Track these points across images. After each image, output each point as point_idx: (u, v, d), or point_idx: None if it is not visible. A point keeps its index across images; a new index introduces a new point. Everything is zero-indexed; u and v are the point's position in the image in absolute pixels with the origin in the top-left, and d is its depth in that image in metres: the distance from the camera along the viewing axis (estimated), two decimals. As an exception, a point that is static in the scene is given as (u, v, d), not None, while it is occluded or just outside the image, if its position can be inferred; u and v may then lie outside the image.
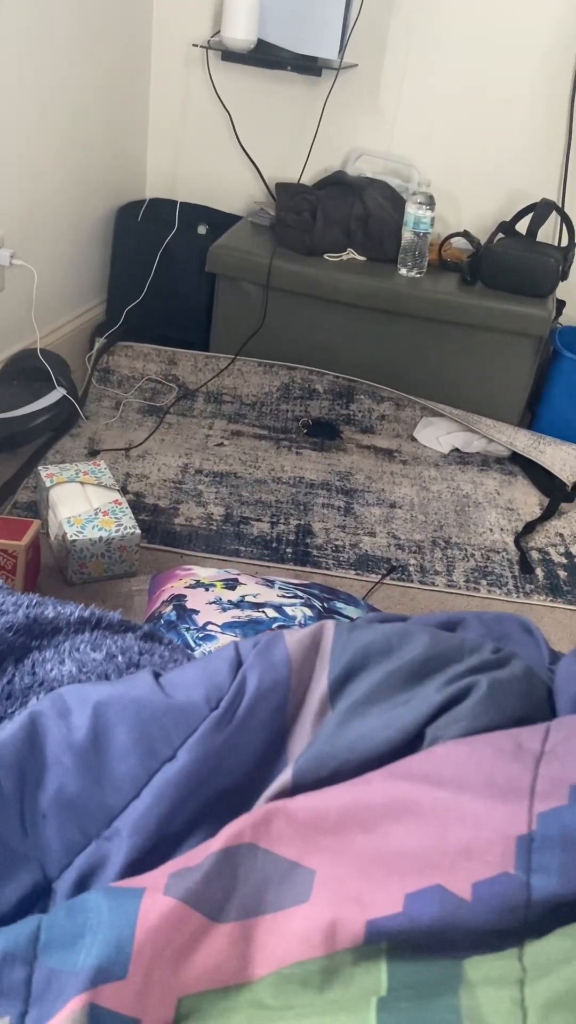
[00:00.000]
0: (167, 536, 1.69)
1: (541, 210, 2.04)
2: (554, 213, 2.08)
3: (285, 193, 2.17)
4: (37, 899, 0.50)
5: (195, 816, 0.51)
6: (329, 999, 0.41)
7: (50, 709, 0.54)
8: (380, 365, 2.18)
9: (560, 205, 2.14)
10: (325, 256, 2.17)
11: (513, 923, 0.42)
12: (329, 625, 0.59)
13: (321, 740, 0.52)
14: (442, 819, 0.46)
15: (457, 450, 2.13)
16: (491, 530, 1.86)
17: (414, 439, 2.15)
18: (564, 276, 2.06)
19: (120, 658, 0.64)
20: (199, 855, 0.47)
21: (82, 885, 0.50)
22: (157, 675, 0.57)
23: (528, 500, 1.98)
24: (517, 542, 1.81)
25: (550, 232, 2.21)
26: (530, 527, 1.86)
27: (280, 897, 0.45)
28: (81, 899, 0.47)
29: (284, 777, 0.51)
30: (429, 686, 0.53)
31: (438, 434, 2.14)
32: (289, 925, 0.44)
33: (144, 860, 0.50)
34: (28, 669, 0.62)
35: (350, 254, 2.17)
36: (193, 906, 0.44)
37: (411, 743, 0.51)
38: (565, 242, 2.15)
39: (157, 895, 0.44)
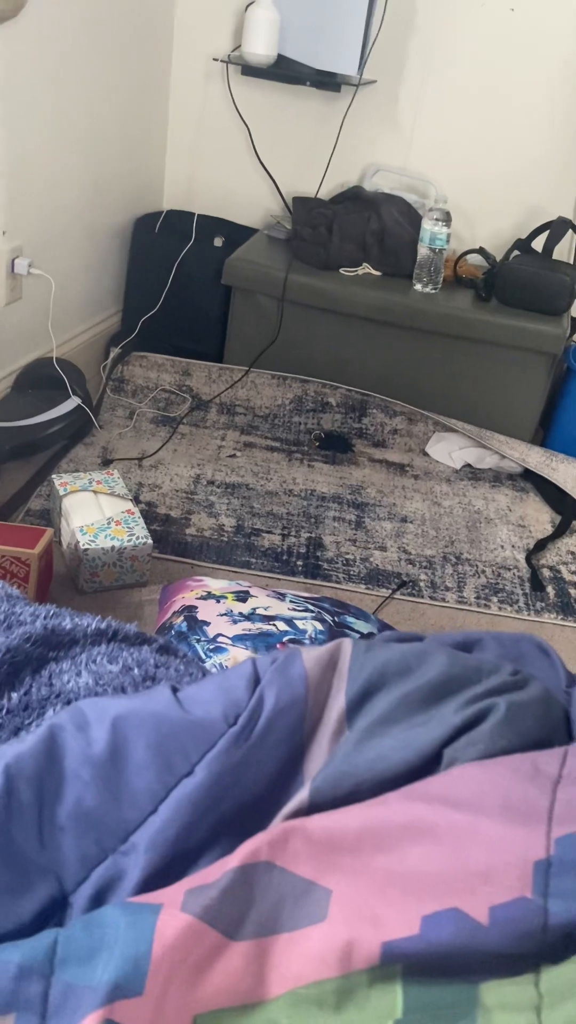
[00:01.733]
0: (178, 546, 1.69)
1: (557, 228, 2.04)
2: (570, 231, 2.08)
3: (302, 207, 2.18)
4: (53, 912, 0.50)
5: (212, 832, 0.51)
6: (344, 1020, 0.41)
7: (69, 722, 0.54)
8: (393, 379, 2.18)
9: (576, 223, 2.14)
10: (341, 270, 2.17)
11: (530, 948, 0.42)
12: (347, 643, 0.59)
13: (339, 759, 0.52)
14: (459, 842, 0.46)
15: (469, 466, 2.13)
16: (502, 547, 1.85)
17: (426, 454, 2.16)
18: (579, 294, 2.06)
19: (136, 671, 0.64)
20: (216, 872, 0.47)
21: (98, 899, 0.50)
22: (175, 689, 0.57)
23: (540, 517, 1.98)
24: (528, 559, 1.80)
25: (565, 250, 2.22)
26: (541, 545, 1.86)
27: (296, 916, 0.45)
28: (98, 914, 0.47)
29: (301, 795, 0.51)
30: (447, 707, 0.53)
31: (450, 449, 2.14)
32: (305, 944, 0.44)
33: (161, 875, 0.50)
34: (45, 680, 0.62)
35: (365, 269, 2.18)
36: (210, 923, 0.44)
37: (428, 764, 0.51)
38: (581, 260, 2.15)
39: (174, 911, 0.44)
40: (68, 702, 0.61)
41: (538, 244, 2.12)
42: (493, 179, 2.25)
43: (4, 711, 0.60)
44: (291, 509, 1.88)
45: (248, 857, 0.46)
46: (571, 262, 2.16)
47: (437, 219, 2.03)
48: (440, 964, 0.42)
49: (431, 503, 1.98)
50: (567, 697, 0.58)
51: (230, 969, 0.43)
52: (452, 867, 0.45)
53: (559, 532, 1.91)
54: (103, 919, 0.46)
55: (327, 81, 2.16)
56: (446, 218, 2.04)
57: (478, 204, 2.28)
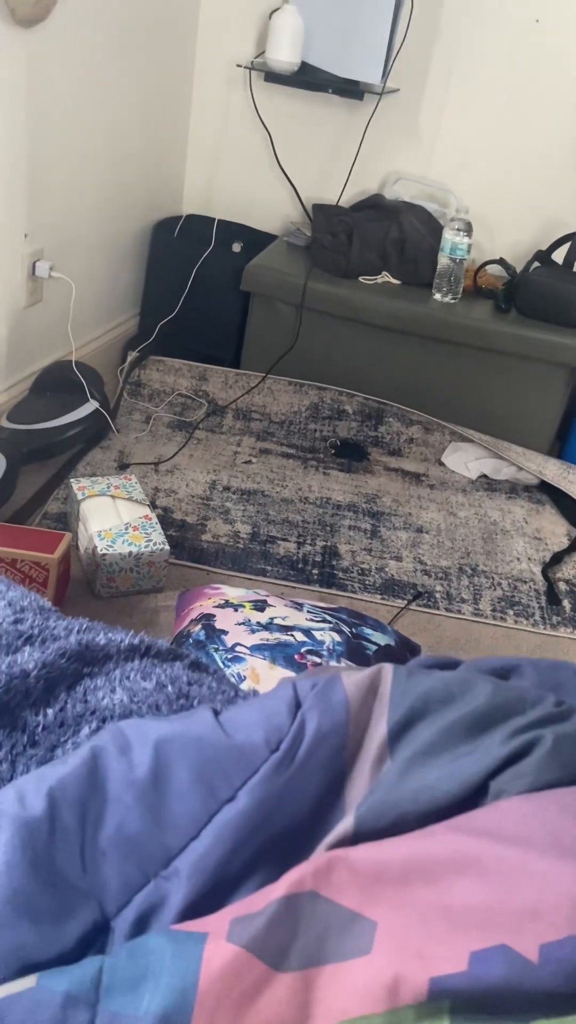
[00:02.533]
0: (194, 552, 1.69)
1: (578, 241, 2.04)
2: (591, 244, 2.08)
3: (322, 215, 2.18)
4: (96, 937, 0.50)
5: (253, 859, 0.51)
6: None
7: (111, 744, 0.54)
8: (410, 388, 2.18)
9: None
10: (360, 279, 2.17)
11: (580, 989, 0.42)
12: (387, 668, 0.58)
13: (383, 789, 0.51)
14: (507, 877, 0.45)
15: (485, 476, 2.12)
16: (518, 559, 1.85)
17: (442, 464, 2.15)
18: (599, 307, 2.06)
19: (170, 688, 0.64)
20: (261, 901, 0.46)
21: (140, 924, 0.50)
22: (216, 712, 0.57)
23: (556, 530, 1.97)
24: (544, 572, 1.80)
25: (585, 262, 2.21)
26: (558, 558, 1.85)
27: (341, 948, 0.45)
28: (142, 941, 0.47)
29: (345, 824, 0.50)
30: (492, 738, 0.53)
31: (466, 460, 2.13)
32: (350, 977, 0.44)
33: (203, 901, 0.49)
34: (80, 696, 0.62)
35: (385, 277, 2.18)
36: (256, 954, 0.44)
37: (474, 796, 0.51)
38: (601, 273, 2.15)
39: (220, 941, 0.44)
40: (103, 719, 0.61)
41: (559, 256, 2.11)
42: (514, 190, 2.25)
43: (40, 727, 0.60)
44: (306, 517, 1.87)
45: (293, 887, 0.46)
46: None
47: (458, 229, 2.03)
48: (488, 1001, 0.42)
49: (447, 513, 1.97)
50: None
51: (275, 1001, 0.43)
52: (500, 902, 0.44)
53: (575, 545, 1.90)
54: (148, 947, 0.46)
55: (350, 89, 2.16)
56: (467, 228, 2.03)
57: (499, 215, 2.28)
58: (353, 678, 0.57)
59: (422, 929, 0.44)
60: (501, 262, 2.10)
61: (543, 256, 2.09)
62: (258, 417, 2.20)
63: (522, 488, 2.11)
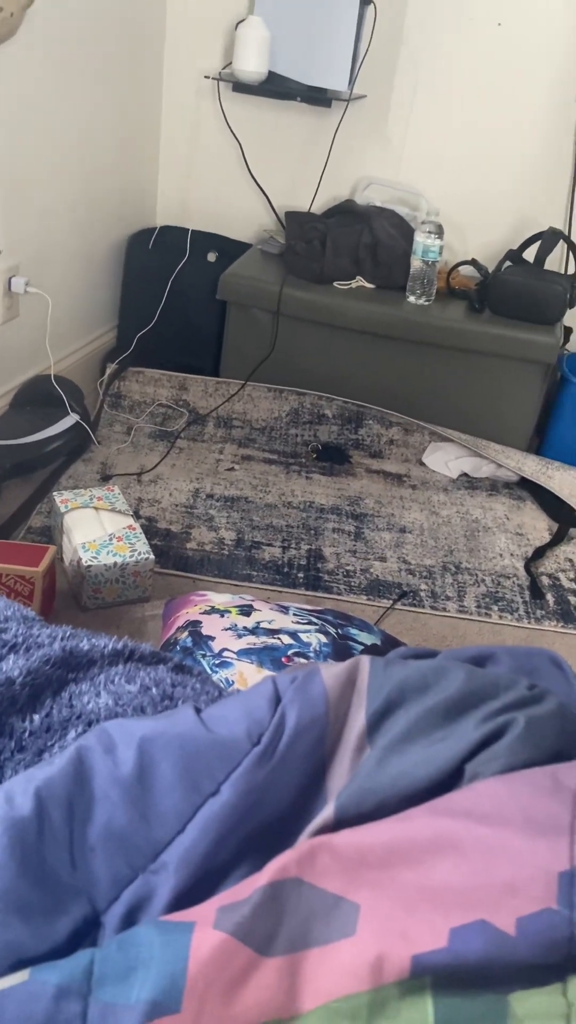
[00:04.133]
0: (179, 561, 1.70)
1: (548, 238, 2.07)
2: (561, 241, 2.11)
3: (295, 222, 2.20)
4: (87, 932, 0.51)
5: (238, 850, 0.52)
6: None
7: (96, 744, 0.55)
8: (389, 391, 2.20)
9: (567, 233, 2.17)
10: (334, 284, 2.19)
11: (557, 958, 0.43)
12: (365, 660, 0.60)
13: (362, 777, 0.53)
14: (485, 855, 0.47)
15: (466, 475, 2.14)
16: (501, 555, 1.87)
17: (423, 464, 2.17)
18: (572, 304, 2.08)
19: (154, 690, 0.65)
20: (246, 889, 0.48)
21: (130, 918, 0.51)
22: (198, 710, 0.58)
23: (537, 525, 1.99)
24: (527, 567, 1.82)
25: (557, 260, 2.24)
26: (540, 552, 1.87)
27: (326, 931, 0.46)
28: (132, 933, 0.48)
29: (327, 812, 0.52)
30: (467, 723, 0.54)
31: (447, 459, 2.15)
32: (336, 959, 0.45)
33: (190, 894, 0.50)
34: (66, 702, 0.63)
35: (359, 282, 2.20)
36: (242, 940, 0.45)
37: (450, 779, 0.52)
38: (572, 270, 2.18)
39: (207, 929, 0.45)
40: (89, 723, 0.62)
41: (530, 255, 2.14)
42: (484, 191, 2.28)
43: (27, 733, 0.61)
44: (290, 521, 1.89)
45: (277, 874, 0.47)
46: (563, 272, 2.19)
47: (430, 232, 2.05)
48: (469, 975, 0.43)
49: (429, 513, 1.99)
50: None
51: (263, 985, 0.44)
52: (478, 880, 0.46)
53: (557, 540, 1.92)
54: (137, 938, 0.47)
55: (318, 97, 2.19)
56: (438, 231, 2.06)
57: (470, 216, 2.31)
58: (331, 671, 0.59)
59: (404, 910, 0.46)
60: (473, 263, 2.13)
61: (514, 255, 2.12)
62: (239, 424, 2.21)
63: (503, 485, 2.14)
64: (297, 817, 0.54)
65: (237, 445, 2.15)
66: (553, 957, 0.43)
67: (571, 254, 2.17)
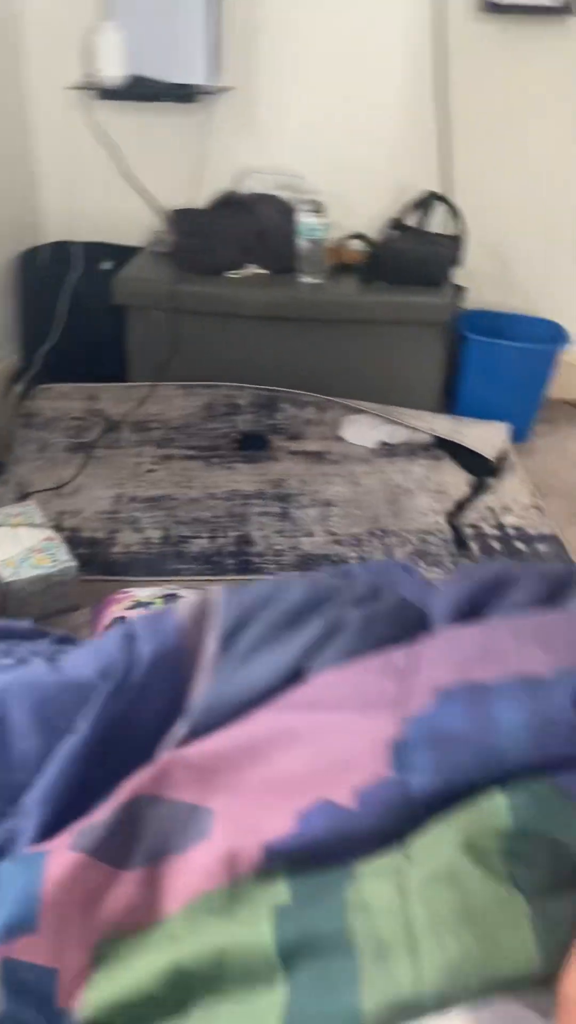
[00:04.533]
0: (107, 566, 1.70)
1: (426, 202, 2.11)
2: (440, 202, 2.15)
3: (180, 218, 2.22)
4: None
5: (103, 782, 0.53)
6: (236, 920, 0.44)
7: (-48, 702, 0.56)
8: (298, 372, 2.23)
9: (444, 194, 2.21)
10: (227, 274, 2.21)
11: (397, 823, 0.45)
12: (217, 590, 0.62)
13: (211, 692, 0.55)
14: (320, 739, 0.49)
15: (384, 443, 2.18)
16: (424, 514, 1.90)
17: (341, 438, 2.20)
18: (458, 262, 2.13)
19: (23, 652, 0.66)
20: (102, 813, 0.49)
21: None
22: (52, 660, 0.59)
23: (456, 481, 2.03)
24: (450, 522, 1.85)
25: (440, 221, 2.29)
26: (461, 505, 1.91)
27: (184, 839, 0.48)
28: (-7, 869, 0.49)
29: (179, 731, 0.53)
30: (307, 626, 0.56)
31: (363, 430, 2.19)
32: (193, 862, 0.46)
33: (55, 830, 0.52)
34: None
35: (251, 269, 2.22)
36: (98, 857, 0.46)
37: (294, 680, 0.54)
38: (454, 229, 2.22)
39: (62, 852, 0.47)
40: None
41: (412, 221, 2.18)
42: (361, 164, 2.31)
43: None
44: (216, 512, 1.90)
45: (131, 793, 0.49)
46: (445, 232, 2.23)
47: (310, 210, 2.08)
48: (318, 853, 0.45)
49: (352, 484, 2.02)
50: (426, 604, 0.61)
51: (123, 896, 0.46)
52: (317, 763, 0.48)
53: (476, 492, 1.97)
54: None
55: (183, 93, 2.20)
56: (319, 208, 2.09)
57: (351, 191, 2.34)
58: (185, 604, 0.60)
59: (255, 805, 0.48)
60: (359, 236, 2.16)
61: (397, 223, 2.16)
62: (155, 426, 2.22)
63: (420, 448, 2.17)
64: (163, 744, 0.55)
65: (156, 446, 2.16)
66: (393, 823, 0.46)
67: (451, 214, 2.21)
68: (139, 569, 1.70)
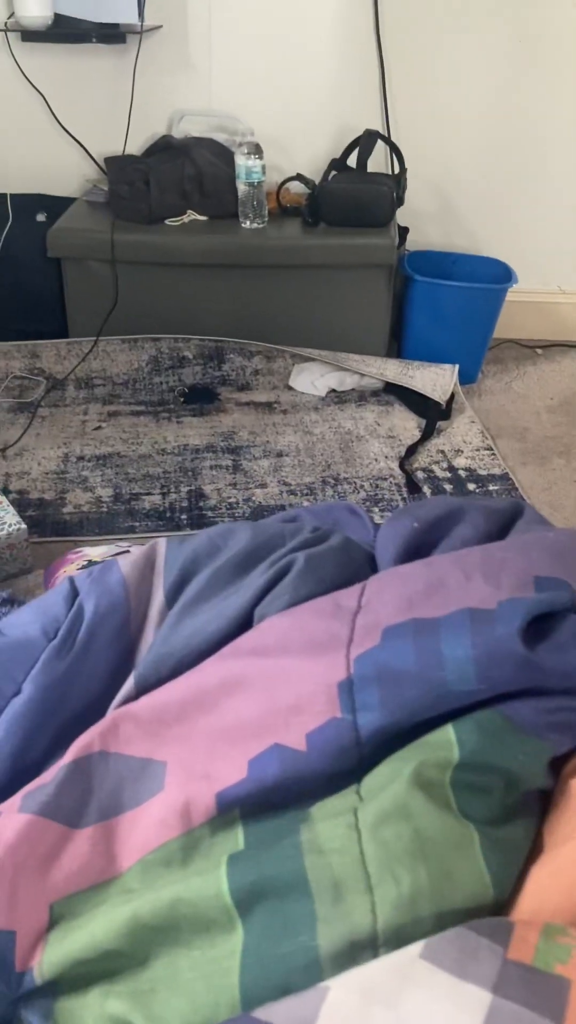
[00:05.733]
0: (58, 527, 1.67)
1: (366, 141, 2.06)
2: (380, 142, 2.11)
3: (115, 166, 2.14)
4: None
5: (53, 743, 0.52)
6: (192, 870, 0.44)
7: None
8: (243, 321, 2.19)
9: (385, 133, 2.17)
10: (166, 222, 2.15)
11: (349, 764, 0.45)
12: (161, 542, 0.60)
13: (158, 644, 0.53)
14: (270, 684, 0.48)
15: (333, 391, 2.16)
16: (376, 460, 1.90)
17: (290, 388, 2.18)
18: (400, 202, 2.10)
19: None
20: (52, 772, 0.48)
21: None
22: (-8, 623, 0.58)
23: (407, 425, 2.03)
24: (402, 466, 1.85)
25: (382, 161, 2.25)
26: (412, 450, 1.91)
27: (137, 794, 0.47)
28: None
29: (127, 686, 0.52)
30: (254, 574, 0.55)
31: (312, 379, 2.16)
32: (147, 816, 0.46)
33: (5, 793, 0.51)
34: None
35: (191, 215, 2.16)
36: (50, 817, 0.46)
37: (241, 628, 0.53)
38: (396, 169, 2.18)
39: (12, 814, 0.46)
40: None
41: (352, 161, 2.13)
42: (299, 104, 2.25)
43: None
44: (167, 467, 1.87)
45: (81, 751, 0.48)
46: (388, 172, 2.19)
47: (248, 153, 2.02)
48: (272, 798, 0.44)
49: (303, 433, 2.00)
50: (373, 544, 0.61)
51: (78, 854, 0.45)
52: (266, 708, 0.47)
53: (426, 435, 1.96)
54: None
55: (111, 33, 2.11)
56: (256, 151, 2.03)
57: (290, 132, 2.28)
58: (129, 558, 0.59)
59: (207, 754, 0.47)
60: (299, 177, 2.11)
61: (338, 164, 2.11)
62: (100, 382, 2.17)
63: (370, 394, 2.16)
64: (111, 700, 0.54)
65: (102, 403, 2.11)
66: (345, 764, 0.45)
67: (392, 153, 2.17)
68: (91, 528, 1.67)
